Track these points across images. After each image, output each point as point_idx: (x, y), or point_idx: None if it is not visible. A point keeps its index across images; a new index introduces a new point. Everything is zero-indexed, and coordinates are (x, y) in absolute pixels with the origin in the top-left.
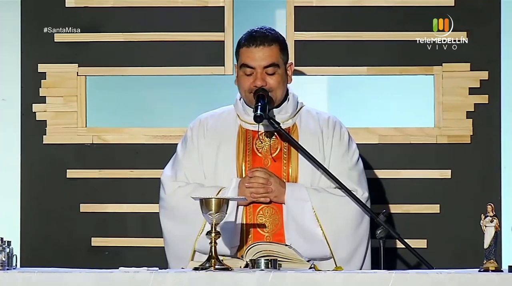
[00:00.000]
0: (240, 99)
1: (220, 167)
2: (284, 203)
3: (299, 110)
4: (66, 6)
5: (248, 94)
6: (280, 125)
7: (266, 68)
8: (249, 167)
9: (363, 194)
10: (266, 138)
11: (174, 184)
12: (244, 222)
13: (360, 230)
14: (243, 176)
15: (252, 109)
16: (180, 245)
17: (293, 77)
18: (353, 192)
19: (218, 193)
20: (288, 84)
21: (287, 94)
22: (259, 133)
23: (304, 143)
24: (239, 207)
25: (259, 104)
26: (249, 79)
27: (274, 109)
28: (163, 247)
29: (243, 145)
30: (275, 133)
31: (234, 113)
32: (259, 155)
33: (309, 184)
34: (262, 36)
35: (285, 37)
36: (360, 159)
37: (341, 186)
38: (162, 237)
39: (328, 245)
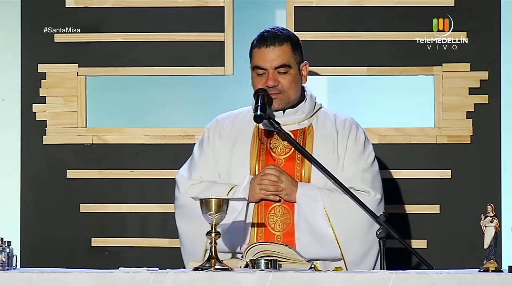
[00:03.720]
0: None
1: (234, 165)
2: (295, 202)
3: (316, 111)
4: (66, 6)
5: None
6: (280, 125)
7: (278, 69)
8: (262, 166)
9: (375, 195)
10: (280, 138)
11: (188, 182)
12: (256, 221)
13: (371, 233)
14: (256, 173)
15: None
16: (193, 244)
17: None
18: (365, 194)
19: (230, 190)
20: (304, 84)
21: (304, 94)
22: (275, 133)
23: (318, 144)
24: (250, 205)
25: (259, 104)
26: (262, 80)
27: (290, 110)
28: (163, 247)
29: (257, 144)
30: (291, 133)
31: (251, 113)
32: (273, 154)
33: (322, 184)
34: (273, 36)
35: None
36: (376, 160)
37: (339, 185)
38: (162, 237)
39: (339, 246)
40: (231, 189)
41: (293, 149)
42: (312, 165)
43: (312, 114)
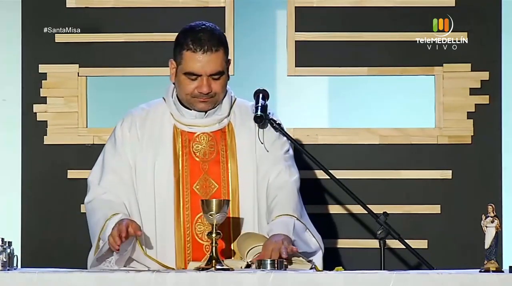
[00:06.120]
0: (172, 97)
1: (157, 172)
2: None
3: (232, 104)
4: (66, 6)
5: (190, 98)
6: (281, 125)
7: (213, 75)
8: (186, 171)
9: (296, 176)
10: (202, 140)
11: (96, 190)
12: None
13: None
14: (180, 179)
15: (188, 110)
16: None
17: (293, 78)
18: (286, 172)
19: (102, 228)
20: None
21: None
22: (196, 135)
23: (241, 137)
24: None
25: (260, 104)
26: (193, 84)
27: (211, 110)
28: None
29: (179, 147)
30: (212, 135)
31: (167, 110)
32: (197, 159)
33: (251, 182)
34: (209, 40)
35: (285, 37)
36: (290, 147)
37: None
38: None
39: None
40: (109, 219)
41: (216, 152)
42: (238, 167)
43: (229, 111)
